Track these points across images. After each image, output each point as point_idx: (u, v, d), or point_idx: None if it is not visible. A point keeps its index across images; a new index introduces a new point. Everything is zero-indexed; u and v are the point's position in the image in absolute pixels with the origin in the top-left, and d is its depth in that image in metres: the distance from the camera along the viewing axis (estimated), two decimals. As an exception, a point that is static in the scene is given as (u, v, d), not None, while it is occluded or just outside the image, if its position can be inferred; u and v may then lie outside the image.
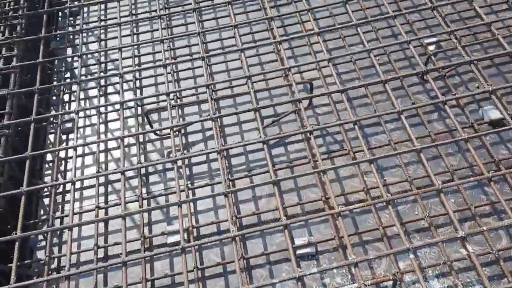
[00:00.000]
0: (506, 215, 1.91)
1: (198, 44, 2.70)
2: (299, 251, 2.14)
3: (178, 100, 2.77)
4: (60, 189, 2.46)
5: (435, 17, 2.62)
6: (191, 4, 2.90)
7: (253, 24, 3.06)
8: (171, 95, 2.58)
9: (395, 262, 1.99)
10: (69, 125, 2.71)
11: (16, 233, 2.02)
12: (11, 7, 2.93)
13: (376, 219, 2.18)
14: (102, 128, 2.70)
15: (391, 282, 1.92)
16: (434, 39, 2.78)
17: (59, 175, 2.49)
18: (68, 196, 2.36)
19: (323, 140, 2.55)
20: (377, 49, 2.50)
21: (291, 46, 2.97)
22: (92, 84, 2.92)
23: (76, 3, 3.22)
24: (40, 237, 2.33)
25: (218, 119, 2.56)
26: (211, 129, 2.47)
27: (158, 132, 2.58)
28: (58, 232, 2.32)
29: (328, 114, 2.64)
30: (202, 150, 2.47)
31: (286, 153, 2.53)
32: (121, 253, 1.96)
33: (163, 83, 2.63)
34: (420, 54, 2.75)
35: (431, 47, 2.79)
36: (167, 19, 3.16)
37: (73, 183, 2.13)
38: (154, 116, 2.76)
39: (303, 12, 2.80)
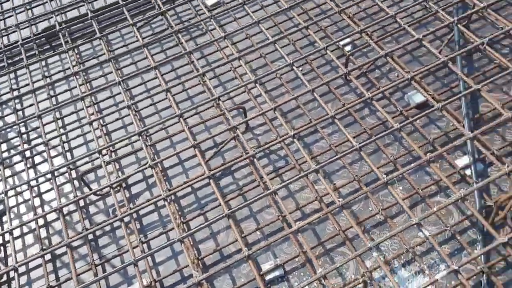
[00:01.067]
0: (452, 191, 1.98)
1: (120, 93, 2.63)
2: (268, 277, 2.10)
3: (113, 154, 2.67)
4: (4, 279, 2.27)
5: (344, 19, 2.73)
6: (105, 54, 2.83)
7: (174, 61, 3.03)
8: (104, 151, 2.47)
9: (362, 262, 2.00)
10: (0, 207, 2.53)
11: None
12: None
13: (334, 225, 2.20)
14: (37, 202, 2.54)
15: (362, 285, 1.93)
16: (348, 40, 2.88)
17: None
18: (14, 284, 2.18)
19: (267, 160, 2.54)
20: (298, 60, 2.54)
21: (216, 74, 2.97)
22: (17, 158, 2.75)
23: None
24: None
25: (158, 164, 2.49)
26: (152, 175, 2.39)
27: (98, 192, 2.46)
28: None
29: (267, 133, 2.65)
30: (148, 200, 2.38)
31: (235, 181, 2.49)
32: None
33: (93, 140, 2.52)
34: (339, 57, 2.85)
35: (348, 48, 2.90)
36: (83, 74, 3.06)
37: (16, 269, 1.96)
38: (91, 176, 2.63)
39: (220, 39, 2.81)
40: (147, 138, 2.63)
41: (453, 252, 2.07)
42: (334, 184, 2.38)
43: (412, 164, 2.00)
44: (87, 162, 2.66)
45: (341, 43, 2.88)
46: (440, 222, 2.13)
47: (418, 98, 2.56)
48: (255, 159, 2.17)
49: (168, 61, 2.74)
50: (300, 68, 2.92)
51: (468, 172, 2.25)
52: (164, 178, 2.55)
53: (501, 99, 2.50)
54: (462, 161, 2.30)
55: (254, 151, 2.18)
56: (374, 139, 2.13)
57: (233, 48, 2.69)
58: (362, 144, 2.14)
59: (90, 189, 2.45)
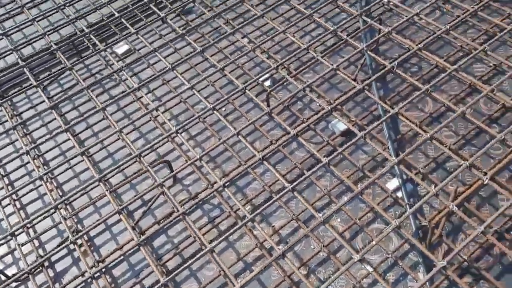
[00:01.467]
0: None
1: (29, 162, 2.40)
2: None
3: (31, 231, 2.41)
4: None
5: (258, 55, 2.71)
6: (8, 121, 2.59)
7: (88, 118, 2.84)
8: (18, 231, 2.22)
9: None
10: None
11: None
12: None
13: (279, 271, 2.12)
14: None
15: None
16: (267, 75, 2.87)
17: None
18: None
19: (201, 211, 2.42)
20: (219, 104, 2.47)
21: (135, 126, 2.82)
22: None
23: None
24: None
25: (82, 238, 2.27)
26: (75, 250, 2.18)
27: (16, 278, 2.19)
28: None
29: (197, 182, 2.54)
30: (75, 277, 2.16)
31: (169, 240, 2.34)
32: None
33: (2, 219, 2.26)
34: (258, 93, 2.84)
35: (267, 83, 2.89)
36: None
37: None
38: (7, 259, 2.36)
39: (135, 89, 2.68)
40: (66, 206, 2.41)
41: (399, 279, 2.06)
42: (273, 226, 2.31)
43: (346, 198, 1.98)
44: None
45: (260, 80, 2.87)
46: (381, 249, 2.13)
47: (341, 126, 2.58)
48: (186, 217, 2.05)
49: (82, 119, 2.57)
50: (224, 109, 2.85)
51: (399, 194, 2.28)
52: (92, 249, 2.33)
53: (418, 116, 2.59)
54: (393, 183, 2.33)
55: (184, 208, 2.06)
56: (305, 177, 2.09)
57: (150, 96, 2.58)
58: (295, 184, 2.09)
59: (7, 276, 2.17)
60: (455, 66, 2.35)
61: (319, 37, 2.69)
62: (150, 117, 2.81)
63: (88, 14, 3.21)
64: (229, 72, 2.69)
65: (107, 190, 2.18)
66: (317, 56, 2.59)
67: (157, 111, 2.47)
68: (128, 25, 2.93)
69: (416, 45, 2.51)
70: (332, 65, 2.48)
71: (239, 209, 2.35)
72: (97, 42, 2.87)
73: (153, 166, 2.35)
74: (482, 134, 2.46)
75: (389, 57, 2.91)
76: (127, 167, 2.61)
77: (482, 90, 2.27)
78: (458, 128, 2.51)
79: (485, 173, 1.96)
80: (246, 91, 2.50)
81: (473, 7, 2.64)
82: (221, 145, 2.60)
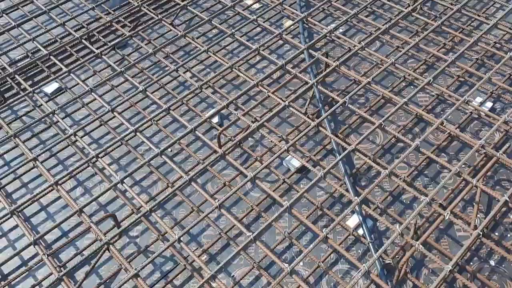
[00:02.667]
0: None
1: None
2: None
3: None
4: None
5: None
6: None
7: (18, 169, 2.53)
8: None
9: None
10: None
11: None
12: None
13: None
14: None
15: None
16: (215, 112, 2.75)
17: None
18: None
19: (153, 266, 2.20)
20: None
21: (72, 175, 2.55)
22: None
23: None
24: None
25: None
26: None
27: None
28: None
29: (146, 232, 2.31)
30: None
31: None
32: None
33: None
34: (206, 131, 2.69)
35: (215, 120, 2.75)
36: None
37: None
38: None
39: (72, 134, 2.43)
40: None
41: (368, 322, 1.99)
42: (233, 276, 2.15)
43: (311, 246, 1.88)
44: None
45: (209, 117, 2.73)
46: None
47: (296, 162, 2.50)
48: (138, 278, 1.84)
49: (12, 171, 2.26)
50: (170, 149, 2.67)
51: (360, 231, 2.22)
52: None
53: (371, 148, 2.58)
54: (353, 220, 2.27)
55: (135, 269, 1.85)
56: (266, 224, 1.97)
57: (88, 138, 2.35)
58: (255, 234, 1.96)
59: None
60: (405, 100, 2.38)
61: (268, 72, 2.62)
62: (88, 164, 2.54)
63: (11, 50, 2.91)
64: (173, 110, 2.52)
65: (43, 254, 1.91)
66: (267, 92, 2.52)
67: (97, 159, 2.24)
68: (59, 63, 2.68)
69: (366, 78, 2.52)
70: (284, 101, 2.41)
71: (194, 260, 2.16)
72: (22, 82, 2.59)
73: (96, 223, 2.10)
74: (433, 164, 2.49)
75: (336, 89, 2.91)
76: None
77: (428, 120, 2.31)
78: (410, 159, 2.54)
79: (445, 208, 1.96)
80: (196, 131, 2.35)
81: (414, 39, 2.72)
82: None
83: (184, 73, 2.96)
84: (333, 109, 2.37)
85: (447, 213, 1.93)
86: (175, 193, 2.44)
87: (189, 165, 2.56)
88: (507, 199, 1.98)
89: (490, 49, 2.77)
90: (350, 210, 2.00)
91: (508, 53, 2.63)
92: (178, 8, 3.11)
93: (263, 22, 3.12)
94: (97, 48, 2.87)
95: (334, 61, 2.64)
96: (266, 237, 2.27)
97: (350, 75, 2.66)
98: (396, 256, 2.10)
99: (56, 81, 2.92)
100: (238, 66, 2.97)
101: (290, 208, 2.01)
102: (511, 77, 2.85)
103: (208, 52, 2.74)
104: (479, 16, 3.19)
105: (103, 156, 2.57)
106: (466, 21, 3.24)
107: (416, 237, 2.10)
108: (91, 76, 3.01)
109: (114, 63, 2.81)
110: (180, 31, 2.92)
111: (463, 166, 2.45)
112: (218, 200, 2.04)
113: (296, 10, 3.35)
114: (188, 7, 3.12)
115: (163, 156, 2.29)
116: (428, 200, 1.96)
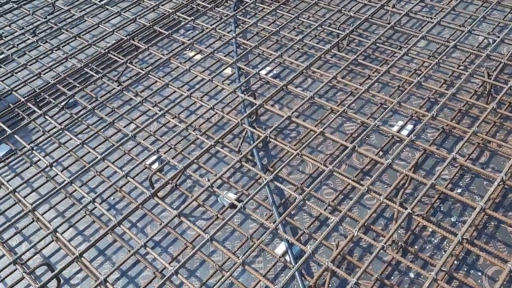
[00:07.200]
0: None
1: None
2: None
3: None
4: None
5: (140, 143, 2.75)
6: None
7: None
8: None
9: None
10: None
11: None
12: None
13: None
14: None
15: None
16: (154, 157, 2.91)
17: None
18: None
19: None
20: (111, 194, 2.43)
21: (18, 229, 2.67)
22: None
23: None
24: None
25: None
26: None
27: None
28: None
29: (86, 280, 2.40)
30: None
31: None
32: None
33: None
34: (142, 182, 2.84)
35: (155, 166, 2.91)
36: None
37: None
38: None
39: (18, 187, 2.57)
40: None
41: None
42: (167, 314, 2.22)
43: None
44: None
45: (148, 162, 2.90)
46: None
47: (224, 200, 2.63)
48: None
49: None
50: (112, 197, 2.80)
51: (287, 258, 2.32)
52: None
53: (299, 179, 2.72)
54: (281, 248, 2.37)
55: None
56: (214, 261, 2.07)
57: (35, 195, 2.48)
58: (176, 268, 2.06)
59: None
60: (322, 128, 2.55)
61: (202, 114, 2.83)
62: (33, 218, 2.67)
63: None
64: (113, 162, 2.68)
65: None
66: (196, 135, 2.69)
67: (33, 212, 2.37)
68: (4, 127, 2.87)
69: (288, 114, 2.71)
70: (219, 142, 2.59)
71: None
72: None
73: (29, 272, 2.20)
74: (356, 188, 2.62)
75: (269, 126, 3.09)
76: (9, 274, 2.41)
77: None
78: (336, 185, 2.67)
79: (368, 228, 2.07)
80: (129, 178, 2.49)
81: (336, 74, 2.94)
82: (110, 237, 2.52)
83: (125, 127, 3.16)
84: (256, 142, 2.56)
85: (356, 230, 2.04)
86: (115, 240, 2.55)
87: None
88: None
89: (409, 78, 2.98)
90: (275, 236, 2.11)
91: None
92: (119, 65, 3.35)
93: (201, 73, 3.35)
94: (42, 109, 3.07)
95: (261, 101, 2.85)
96: (199, 272, 2.36)
97: (277, 113, 2.85)
98: (322, 278, 2.19)
99: (6, 143, 3.10)
100: (179, 114, 3.18)
101: (211, 240, 2.12)
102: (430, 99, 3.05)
103: (143, 103, 2.95)
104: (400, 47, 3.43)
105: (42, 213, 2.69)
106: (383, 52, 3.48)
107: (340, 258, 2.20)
108: (40, 136, 3.21)
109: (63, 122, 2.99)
110: (122, 85, 3.14)
111: (386, 186, 2.60)
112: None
113: (233, 57, 3.60)
114: (129, 64, 3.35)
115: (98, 206, 2.42)
116: (337, 220, 2.09)
